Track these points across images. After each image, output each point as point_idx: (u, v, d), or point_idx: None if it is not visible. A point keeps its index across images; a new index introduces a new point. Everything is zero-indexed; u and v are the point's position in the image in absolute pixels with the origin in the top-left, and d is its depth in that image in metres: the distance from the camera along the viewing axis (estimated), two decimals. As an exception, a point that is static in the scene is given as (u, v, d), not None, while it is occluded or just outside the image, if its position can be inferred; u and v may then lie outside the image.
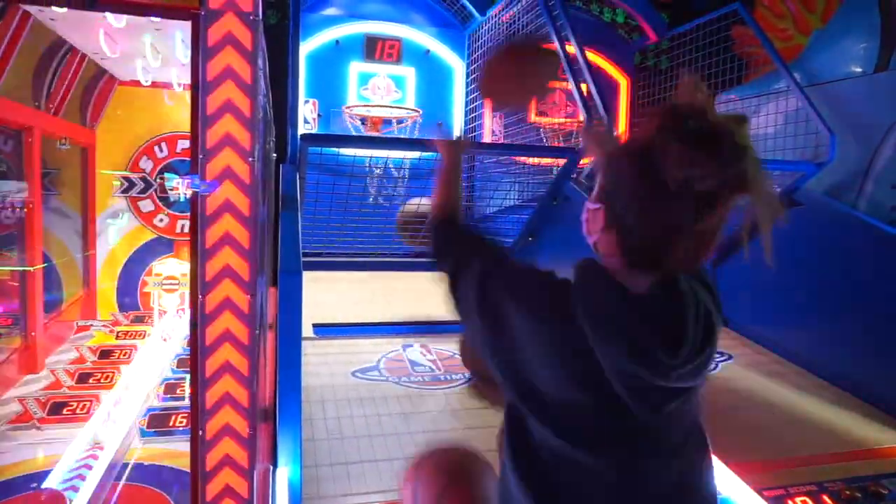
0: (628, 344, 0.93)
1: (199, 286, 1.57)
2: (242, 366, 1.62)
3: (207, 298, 1.56)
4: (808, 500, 2.25)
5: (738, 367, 3.72)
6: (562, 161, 3.78)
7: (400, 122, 5.38)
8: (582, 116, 3.70)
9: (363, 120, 5.34)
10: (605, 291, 0.97)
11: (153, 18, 2.98)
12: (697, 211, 0.90)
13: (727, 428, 2.60)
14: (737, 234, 0.94)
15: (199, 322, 1.57)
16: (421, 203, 4.12)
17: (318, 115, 5.43)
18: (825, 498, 2.27)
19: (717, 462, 2.25)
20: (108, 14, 3.03)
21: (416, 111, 5.29)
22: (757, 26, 4.36)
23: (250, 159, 1.58)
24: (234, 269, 1.57)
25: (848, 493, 2.31)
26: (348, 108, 5.31)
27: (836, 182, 4.22)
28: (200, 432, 1.60)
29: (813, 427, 2.99)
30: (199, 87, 1.56)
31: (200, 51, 1.54)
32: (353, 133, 5.24)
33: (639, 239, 0.96)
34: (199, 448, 1.60)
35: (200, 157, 1.56)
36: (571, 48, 3.84)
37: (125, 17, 3.03)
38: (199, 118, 1.56)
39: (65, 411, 3.12)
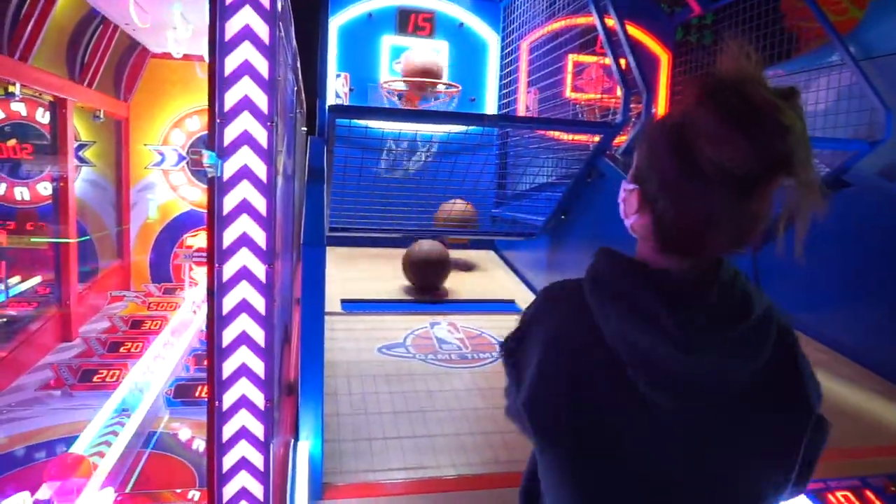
0: (628, 305, 0.85)
1: (215, 255, 1.53)
2: (260, 337, 1.58)
3: (224, 267, 1.52)
4: (849, 495, 2.13)
5: (777, 355, 3.57)
6: (597, 137, 3.65)
7: (437, 97, 5.27)
8: (620, 92, 3.55)
9: (400, 95, 5.25)
10: (614, 264, 0.91)
11: (181, -15, 2.94)
12: (736, 196, 0.80)
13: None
14: (777, 217, 0.84)
15: (215, 291, 1.54)
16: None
17: (350, 90, 5.36)
18: (868, 494, 2.15)
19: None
20: (136, -19, 3.00)
21: (456, 86, 5.18)
22: (810, -2, 4.12)
23: (269, 123, 1.52)
24: (252, 237, 1.53)
25: (893, 489, 2.18)
26: (386, 82, 5.22)
27: (891, 162, 3.99)
28: (217, 403, 1.57)
29: (857, 419, 2.85)
30: (216, 49, 1.50)
31: (217, 9, 1.48)
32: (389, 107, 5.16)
33: (672, 224, 0.87)
34: (215, 419, 1.57)
35: (218, 121, 1.51)
36: (611, 21, 3.68)
37: (154, -16, 3.01)
38: (217, 80, 1.51)
39: (95, 379, 3.18)
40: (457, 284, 4.46)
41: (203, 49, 4.42)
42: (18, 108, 5.15)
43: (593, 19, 3.65)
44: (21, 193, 5.31)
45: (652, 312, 0.83)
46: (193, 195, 5.29)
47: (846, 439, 2.61)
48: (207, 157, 1.58)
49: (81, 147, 5.11)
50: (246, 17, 1.49)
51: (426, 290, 4.04)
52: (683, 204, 0.85)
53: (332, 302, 3.73)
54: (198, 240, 5.02)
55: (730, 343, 0.84)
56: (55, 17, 3.65)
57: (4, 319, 4.17)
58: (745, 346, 0.85)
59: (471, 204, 4.18)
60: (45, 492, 2.23)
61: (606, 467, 0.85)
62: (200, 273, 4.86)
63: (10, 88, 3.65)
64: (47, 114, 4.27)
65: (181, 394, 2.87)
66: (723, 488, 0.87)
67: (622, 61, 3.55)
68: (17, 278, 4.73)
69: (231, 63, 1.50)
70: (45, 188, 5.18)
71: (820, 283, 3.74)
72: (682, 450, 0.85)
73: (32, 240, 5.11)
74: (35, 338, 3.77)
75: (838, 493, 2.13)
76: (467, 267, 4.66)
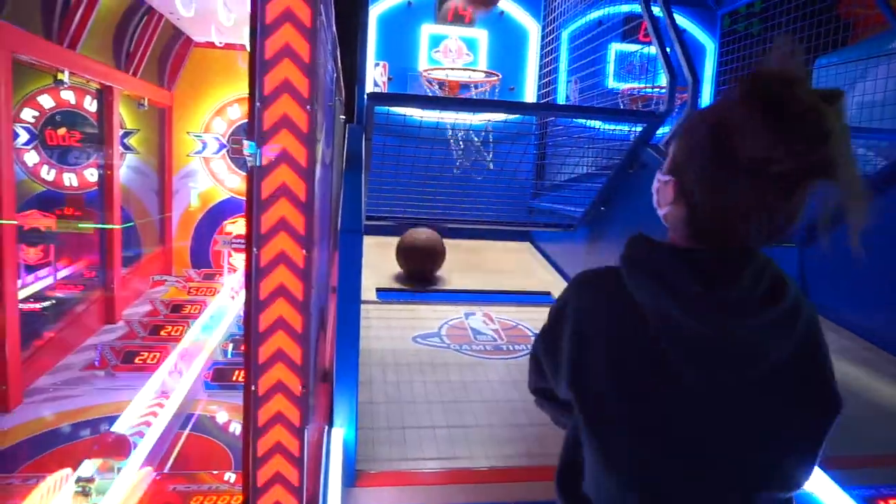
0: (658, 278, 0.87)
1: (253, 239, 1.53)
2: (296, 322, 1.57)
3: (262, 252, 1.52)
4: (903, 502, 2.04)
5: (824, 354, 3.45)
6: (639, 127, 3.56)
7: (477, 86, 5.23)
8: (665, 81, 3.46)
9: (441, 84, 5.22)
10: (647, 246, 0.93)
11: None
12: (772, 194, 0.82)
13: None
14: (821, 215, 0.84)
15: (253, 276, 1.53)
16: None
17: (389, 79, 5.35)
18: (923, 501, 2.06)
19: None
20: (180, -31, 3.03)
21: (496, 75, 5.12)
22: (868, -19, 3.94)
23: (308, 107, 1.51)
24: (290, 222, 1.52)
25: (950, 497, 2.08)
26: (426, 71, 5.20)
27: (953, 154, 3.79)
28: (253, 388, 1.57)
29: (907, 422, 2.73)
30: (257, 31, 1.50)
31: (259, -9, 1.47)
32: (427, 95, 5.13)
33: (707, 217, 0.89)
34: (251, 403, 1.57)
35: (257, 104, 1.50)
36: (657, 9, 3.58)
37: (197, -28, 3.04)
38: (257, 63, 1.50)
39: (136, 360, 3.26)
40: (493, 274, 4.43)
41: (245, 38, 4.47)
42: (68, 96, 5.30)
43: (638, 7, 3.55)
44: (69, 179, 5.47)
45: (683, 288, 0.86)
46: (233, 182, 5.37)
47: (892, 444, 2.50)
48: (247, 146, 1.58)
49: (126, 135, 5.23)
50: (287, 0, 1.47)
51: (417, 279, 3.98)
52: (720, 198, 0.87)
53: (367, 291, 3.74)
54: (237, 226, 5.10)
55: (760, 324, 0.86)
56: (102, 6, 3.73)
57: (53, 301, 4.31)
58: (775, 329, 0.88)
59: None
60: (86, 468, 2.29)
61: (641, 432, 0.88)
62: (239, 259, 4.94)
63: (59, 76, 3.76)
64: (94, 102, 4.37)
65: (219, 377, 2.92)
66: (753, 460, 0.89)
67: (667, 49, 3.45)
68: (64, 262, 4.88)
69: (272, 46, 1.49)
70: (91, 174, 5.32)
71: (870, 279, 3.59)
72: (713, 421, 0.88)
73: (80, 225, 5.26)
74: (81, 319, 3.88)
75: (891, 501, 2.04)
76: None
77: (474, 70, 5.26)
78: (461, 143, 4.72)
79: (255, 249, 1.52)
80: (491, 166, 4.25)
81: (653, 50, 3.40)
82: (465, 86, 5.24)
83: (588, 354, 0.92)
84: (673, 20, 3.42)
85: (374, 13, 5.27)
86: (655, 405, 0.88)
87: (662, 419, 0.88)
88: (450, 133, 4.45)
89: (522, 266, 4.78)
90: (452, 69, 5.05)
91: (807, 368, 0.93)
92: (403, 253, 3.88)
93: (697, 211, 0.90)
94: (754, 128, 0.80)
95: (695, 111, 0.97)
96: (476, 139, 4.65)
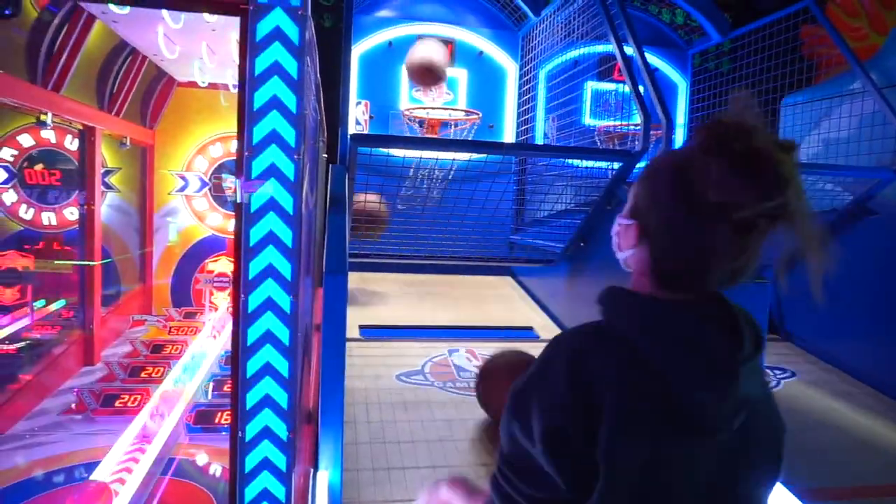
0: (691, 346, 0.87)
1: (241, 285, 1.55)
2: (283, 368, 1.58)
3: (250, 298, 1.54)
4: (882, 533, 2.07)
5: (801, 385, 3.51)
6: (617, 164, 3.65)
7: (457, 124, 5.33)
8: (639, 119, 3.56)
9: (421, 122, 5.31)
10: (652, 303, 0.92)
11: (208, 19, 3.02)
12: (734, 237, 0.85)
13: (790, 451, 2.42)
14: (780, 259, 0.89)
15: (240, 322, 1.55)
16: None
17: (371, 117, 5.43)
18: (902, 532, 2.09)
19: (778, 486, 2.09)
20: (165, 15, 3.09)
21: (476, 113, 5.23)
22: (829, 24, 4.12)
23: (296, 157, 1.55)
24: (277, 268, 1.54)
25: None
26: (407, 110, 5.29)
27: (916, 190, 3.93)
28: (240, 434, 1.57)
29: (885, 453, 2.78)
30: (245, 83, 1.54)
31: (248, 46, 1.52)
32: (410, 135, 5.22)
33: (671, 260, 0.91)
34: (238, 450, 1.57)
35: (246, 154, 1.54)
36: (629, 49, 3.70)
37: (182, 17, 3.09)
38: (246, 114, 1.54)
39: (117, 403, 3.20)
40: (475, 310, 4.45)
41: (227, 78, 4.51)
42: (48, 135, 5.30)
43: (612, 47, 3.67)
44: (48, 218, 5.43)
45: (713, 350, 0.87)
46: (215, 220, 5.37)
47: (875, 474, 2.55)
48: (230, 180, 1.60)
49: (108, 173, 5.23)
50: (275, 53, 1.52)
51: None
52: (683, 241, 0.89)
53: (350, 328, 3.74)
54: (218, 265, 5.08)
55: (753, 367, 0.91)
56: (87, 48, 3.77)
57: (29, 342, 4.23)
58: (755, 374, 0.92)
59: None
60: (66, 519, 2.25)
61: (651, 490, 0.87)
62: (220, 298, 4.90)
63: (42, 117, 3.76)
64: (76, 141, 4.36)
65: (201, 420, 2.89)
66: (745, 498, 0.94)
67: (640, 89, 3.56)
68: (42, 302, 4.82)
69: (260, 98, 1.53)
70: (71, 213, 5.29)
71: (843, 310, 3.67)
72: (717, 470, 0.90)
73: (56, 262, 5.22)
74: (59, 361, 3.82)
75: (870, 532, 2.07)
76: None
77: (454, 109, 5.37)
78: (440, 180, 4.78)
79: (243, 295, 1.54)
80: (469, 200, 4.32)
81: (627, 88, 3.51)
82: (445, 124, 5.33)
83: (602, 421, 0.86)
84: (645, 60, 3.54)
85: (356, 53, 5.37)
86: (675, 454, 0.87)
87: (681, 466, 0.88)
88: (430, 170, 4.52)
89: (504, 301, 4.82)
90: (433, 108, 5.15)
91: (764, 399, 0.97)
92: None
93: (661, 254, 0.92)
94: (717, 174, 0.83)
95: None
96: (452, 176, 4.73)
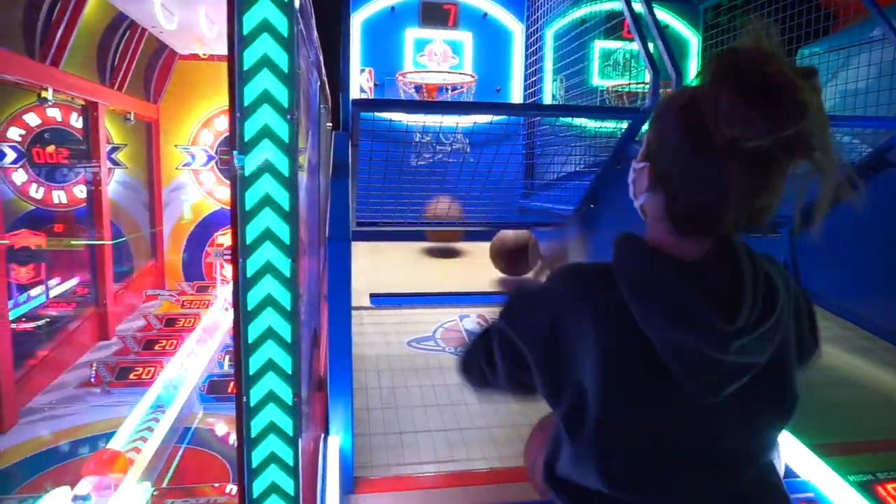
0: (673, 311, 0.83)
1: (239, 250, 1.53)
2: (285, 332, 1.57)
3: (248, 262, 1.52)
4: (899, 486, 2.05)
5: (818, 342, 3.46)
6: (625, 124, 3.57)
7: (455, 88, 5.24)
8: (648, 77, 3.47)
9: (417, 87, 5.23)
10: (649, 258, 0.88)
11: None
12: (749, 173, 0.80)
13: (807, 407, 2.38)
14: (801, 201, 0.83)
15: (240, 287, 1.53)
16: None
17: (375, 84, 5.35)
18: (919, 485, 2.06)
19: (797, 444, 2.06)
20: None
21: (472, 76, 5.13)
22: (846, -30, 3.96)
23: (289, 117, 1.51)
24: (275, 231, 1.52)
25: (946, 480, 2.09)
26: (402, 74, 5.21)
27: (937, 140, 3.81)
28: (244, 399, 1.57)
29: (904, 407, 2.74)
30: (234, 43, 1.49)
31: (235, 4, 1.47)
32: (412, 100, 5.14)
33: (685, 202, 0.87)
34: (243, 415, 1.57)
35: (238, 115, 1.50)
36: (638, 5, 3.59)
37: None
38: (236, 75, 1.49)
39: (131, 376, 3.25)
40: (486, 276, 4.44)
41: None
42: (54, 113, 5.28)
43: (619, 4, 3.56)
44: (58, 197, 5.45)
45: (696, 314, 0.83)
46: (223, 194, 5.36)
47: (891, 430, 2.52)
48: (237, 157, 1.58)
49: (114, 150, 5.22)
50: (264, 10, 1.47)
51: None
52: (697, 181, 0.84)
53: (361, 296, 3.74)
54: (228, 238, 5.08)
55: (761, 335, 0.86)
56: (84, 21, 3.72)
57: (46, 320, 4.29)
58: (771, 334, 0.88)
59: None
60: (84, 487, 2.28)
61: (632, 439, 0.88)
62: (231, 270, 4.93)
63: (43, 94, 3.74)
64: (80, 118, 4.36)
65: (214, 390, 2.91)
66: (736, 454, 0.92)
67: (650, 46, 3.46)
68: (56, 280, 4.86)
69: (250, 57, 1.49)
70: (80, 191, 5.30)
71: (863, 267, 3.61)
72: (708, 426, 0.89)
73: (71, 242, 5.25)
74: (74, 337, 3.86)
75: (889, 486, 2.04)
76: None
77: (450, 72, 5.27)
78: (449, 144, 4.72)
79: (241, 260, 1.52)
80: (468, 151, 4.31)
81: (636, 46, 3.41)
82: (441, 88, 5.25)
83: (577, 351, 0.89)
84: (654, 16, 3.42)
85: (358, 19, 5.27)
86: (657, 411, 0.87)
87: (664, 424, 0.88)
88: (436, 136, 4.46)
89: (515, 266, 4.78)
90: (427, 72, 5.05)
91: (775, 372, 0.93)
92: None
93: (675, 196, 0.88)
94: (729, 104, 0.78)
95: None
96: (462, 141, 4.66)
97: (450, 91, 5.22)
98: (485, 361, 1.07)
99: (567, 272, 0.98)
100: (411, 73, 5.19)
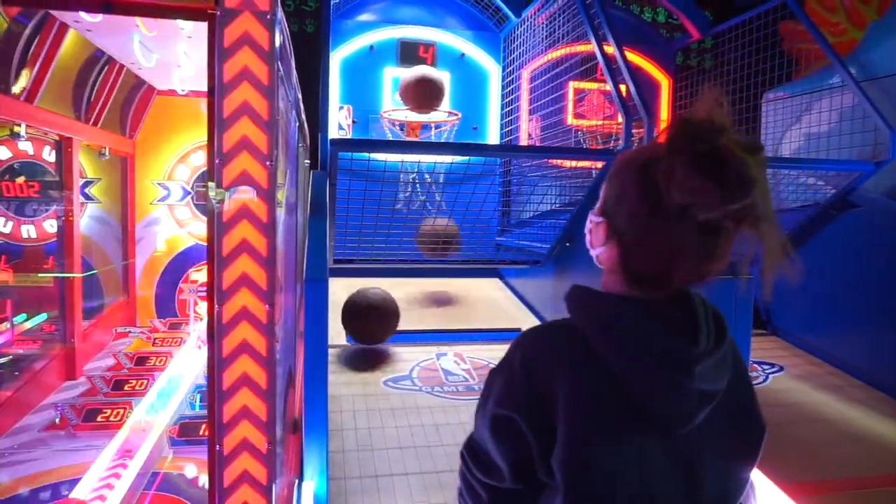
0: (642, 339, 0.87)
1: (215, 295, 1.52)
2: (261, 378, 1.55)
3: (224, 308, 1.51)
4: (870, 526, 2.07)
5: (789, 379, 3.51)
6: (600, 164, 3.65)
7: (438, 126, 5.31)
8: (621, 118, 3.56)
9: (401, 125, 5.28)
10: (611, 298, 0.93)
11: (182, 26, 2.98)
12: (699, 239, 0.84)
13: (777, 445, 2.43)
14: (742, 260, 0.89)
15: (215, 332, 1.51)
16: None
17: (353, 122, 5.40)
18: (891, 525, 2.09)
19: (767, 482, 2.07)
20: (139, 23, 3.04)
21: (456, 115, 5.21)
22: (808, 20, 4.15)
23: (268, 163, 1.52)
24: (252, 277, 1.51)
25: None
26: (386, 112, 5.27)
27: (897, 182, 3.96)
28: (218, 447, 1.54)
29: (873, 445, 2.78)
30: (214, 90, 1.51)
31: (216, 52, 1.49)
32: (391, 139, 5.19)
33: (637, 259, 0.91)
34: (216, 463, 1.54)
35: (216, 161, 1.51)
36: (610, 48, 3.70)
37: (157, 25, 3.04)
38: (216, 121, 1.51)
39: (99, 418, 3.14)
40: (463, 313, 4.43)
41: (206, 85, 4.46)
42: (25, 146, 5.21)
43: (593, 47, 3.67)
44: (27, 231, 5.35)
45: (662, 340, 0.87)
46: (198, 229, 5.32)
47: (863, 467, 2.55)
48: (212, 188, 1.57)
49: (87, 184, 5.17)
50: (245, 58, 1.49)
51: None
52: (649, 240, 0.89)
53: (338, 335, 3.70)
54: (202, 274, 5.01)
55: (716, 362, 0.90)
56: (61, 57, 3.71)
57: (10, 358, 4.16)
58: (724, 363, 0.92)
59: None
60: (46, 538, 2.19)
61: (604, 487, 0.87)
62: (205, 307, 4.84)
63: (16, 129, 3.70)
64: (53, 152, 4.31)
65: (186, 432, 2.83)
66: (710, 496, 0.92)
67: (623, 87, 3.56)
68: (23, 316, 4.73)
69: (230, 104, 1.50)
70: (51, 226, 5.22)
71: (830, 304, 3.69)
72: (680, 467, 0.90)
73: (39, 276, 5.14)
74: (40, 376, 3.75)
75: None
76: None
77: (434, 110, 5.35)
78: (427, 183, 4.76)
79: (217, 305, 1.51)
80: (443, 205, 4.35)
81: (610, 88, 3.51)
82: (425, 126, 5.31)
83: (554, 396, 0.89)
84: (626, 59, 3.54)
85: (338, 57, 5.34)
86: (630, 452, 0.88)
87: (642, 465, 0.88)
88: (414, 175, 4.49)
89: (492, 303, 4.80)
90: (412, 110, 5.12)
91: (737, 396, 0.96)
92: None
93: (629, 252, 0.91)
94: (682, 174, 0.82)
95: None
96: (438, 180, 4.70)
97: (434, 129, 5.29)
98: (480, 469, 1.01)
99: (530, 331, 1.01)
100: (395, 110, 5.26)
